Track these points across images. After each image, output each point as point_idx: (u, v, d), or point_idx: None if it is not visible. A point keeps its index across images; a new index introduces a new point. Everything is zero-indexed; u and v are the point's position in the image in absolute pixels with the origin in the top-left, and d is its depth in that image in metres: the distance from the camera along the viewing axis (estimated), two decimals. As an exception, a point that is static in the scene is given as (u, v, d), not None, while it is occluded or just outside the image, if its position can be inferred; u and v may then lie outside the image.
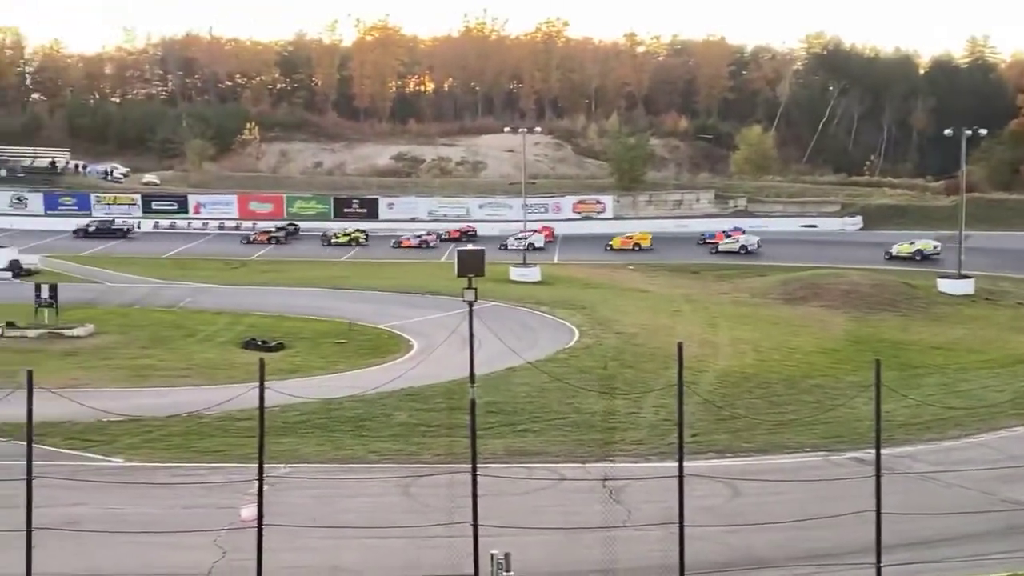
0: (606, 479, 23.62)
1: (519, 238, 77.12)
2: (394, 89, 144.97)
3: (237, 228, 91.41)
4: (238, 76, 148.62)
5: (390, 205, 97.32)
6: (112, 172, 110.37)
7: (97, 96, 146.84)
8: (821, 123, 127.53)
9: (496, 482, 19.25)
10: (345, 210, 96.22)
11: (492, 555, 15.29)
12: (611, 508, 21.15)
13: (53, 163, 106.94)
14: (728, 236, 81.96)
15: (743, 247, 79.83)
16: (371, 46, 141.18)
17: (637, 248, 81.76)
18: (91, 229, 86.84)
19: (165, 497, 22.42)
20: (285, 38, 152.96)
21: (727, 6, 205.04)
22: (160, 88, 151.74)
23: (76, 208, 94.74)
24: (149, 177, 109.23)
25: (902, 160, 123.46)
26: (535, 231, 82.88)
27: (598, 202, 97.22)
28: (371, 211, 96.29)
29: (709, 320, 51.72)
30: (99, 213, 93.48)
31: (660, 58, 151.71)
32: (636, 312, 53.12)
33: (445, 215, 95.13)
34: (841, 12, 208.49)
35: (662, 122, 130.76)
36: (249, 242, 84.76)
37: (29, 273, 63.75)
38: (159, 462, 25.86)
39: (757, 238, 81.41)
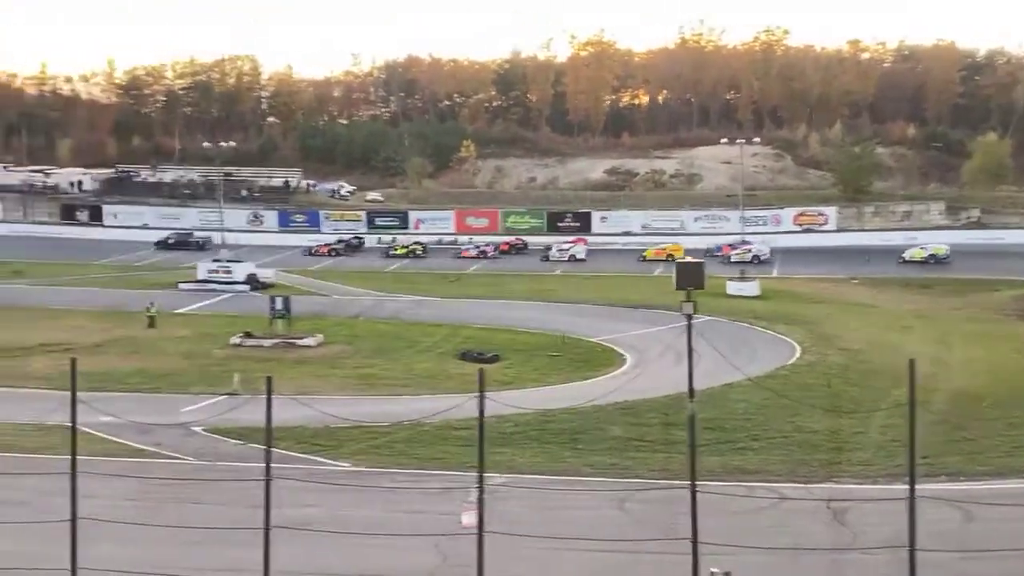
0: (830, 500, 22.75)
1: (561, 249, 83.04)
2: (608, 103, 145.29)
3: (454, 243, 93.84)
4: (456, 95, 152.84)
5: (603, 219, 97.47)
6: (339, 190, 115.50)
7: (326, 118, 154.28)
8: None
9: (714, 500, 18.89)
10: (559, 224, 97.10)
11: (712, 573, 14.99)
12: (835, 530, 20.37)
13: (286, 183, 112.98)
14: (735, 248, 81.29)
15: (755, 257, 79.96)
16: (585, 61, 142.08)
17: (671, 258, 78.91)
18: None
19: (388, 501, 23.14)
20: (501, 56, 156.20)
21: (957, 10, 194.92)
22: (383, 109, 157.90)
23: (307, 225, 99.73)
24: (373, 195, 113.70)
25: None
26: (574, 242, 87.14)
27: (820, 214, 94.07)
28: (584, 225, 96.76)
29: (940, 337, 49.08)
30: (327, 230, 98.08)
31: (886, 64, 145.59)
32: (861, 328, 51.11)
33: (658, 228, 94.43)
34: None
35: (888, 130, 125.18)
36: (311, 254, 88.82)
37: (265, 286, 67.38)
38: (383, 467, 26.73)
39: (768, 248, 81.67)
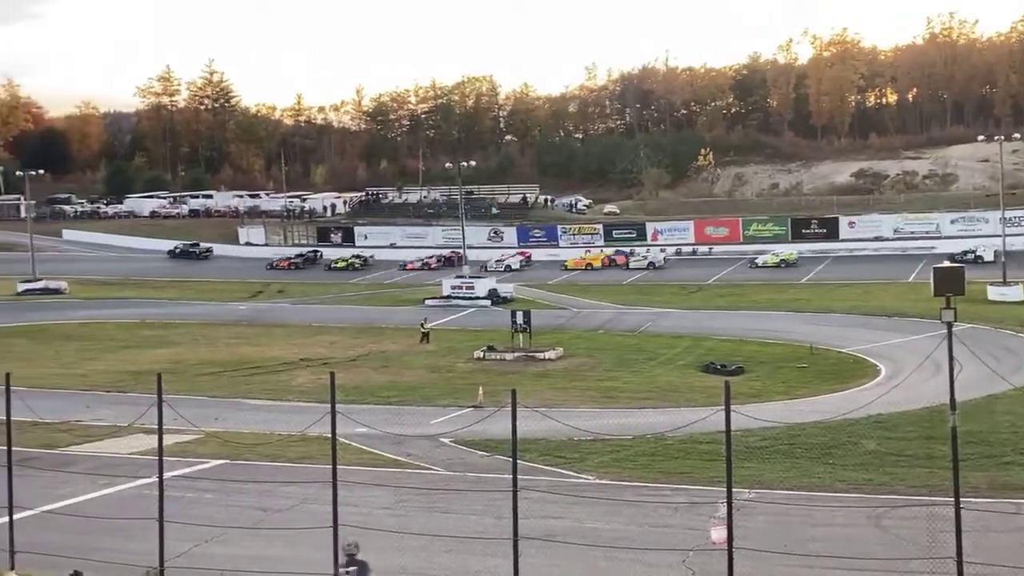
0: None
1: (499, 260, 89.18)
2: (853, 104, 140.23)
3: (693, 253, 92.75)
4: (692, 103, 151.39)
5: (851, 224, 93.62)
6: (576, 204, 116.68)
7: (562, 133, 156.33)
8: None
9: (980, 518, 17.71)
10: (803, 231, 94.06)
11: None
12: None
13: (524, 198, 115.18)
14: (633, 255, 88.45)
15: (651, 263, 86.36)
16: (828, 61, 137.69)
17: (589, 268, 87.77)
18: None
19: (633, 515, 22.98)
20: (739, 62, 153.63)
21: None
22: (619, 121, 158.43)
23: (545, 239, 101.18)
24: (610, 207, 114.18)
25: None
26: (514, 254, 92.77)
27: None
28: (831, 231, 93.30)
29: None
30: (565, 244, 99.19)
31: None
32: None
33: (912, 232, 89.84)
34: None
35: None
36: (272, 267, 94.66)
37: (505, 300, 68.90)
38: (627, 481, 26.58)
39: (664, 254, 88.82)
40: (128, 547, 17.92)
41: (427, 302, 70.13)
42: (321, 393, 33.76)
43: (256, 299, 76.99)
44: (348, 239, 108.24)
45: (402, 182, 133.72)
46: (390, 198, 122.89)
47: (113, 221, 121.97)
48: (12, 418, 17.96)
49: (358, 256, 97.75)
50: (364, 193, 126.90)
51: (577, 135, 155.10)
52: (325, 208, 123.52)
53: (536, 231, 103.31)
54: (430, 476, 26.71)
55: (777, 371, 43.67)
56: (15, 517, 17.32)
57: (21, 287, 79.64)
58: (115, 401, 38.55)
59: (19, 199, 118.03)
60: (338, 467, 16.19)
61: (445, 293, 71.83)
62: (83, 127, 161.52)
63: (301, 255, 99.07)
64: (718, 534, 15.70)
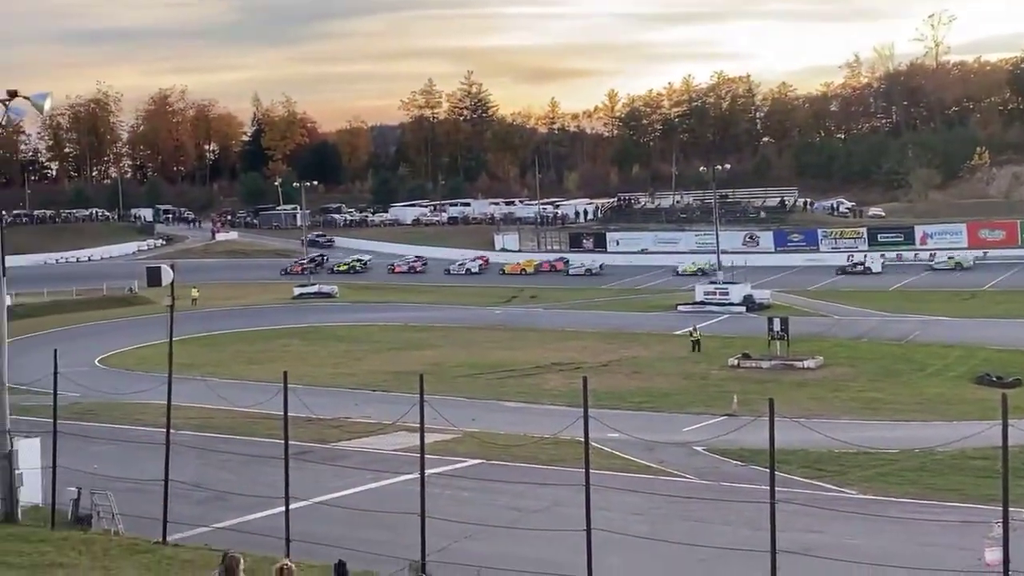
0: None
1: (460, 264, 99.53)
2: None
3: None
4: (965, 100, 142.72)
5: None
6: (838, 207, 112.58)
7: (822, 134, 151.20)
8: None
9: None
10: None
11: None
12: None
13: (782, 201, 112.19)
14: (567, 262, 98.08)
15: (588, 270, 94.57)
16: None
17: (523, 272, 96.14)
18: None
19: (898, 532, 21.84)
20: (1016, 55, 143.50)
21: None
22: (884, 120, 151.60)
23: (803, 244, 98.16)
24: (875, 210, 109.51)
25: None
26: (474, 258, 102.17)
27: None
28: None
29: None
30: (825, 248, 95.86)
31: None
32: None
33: None
34: None
35: None
36: (286, 272, 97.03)
37: (761, 307, 67.30)
38: (891, 496, 25.32)
39: (600, 263, 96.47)
40: (391, 540, 18.65)
41: (679, 308, 69.56)
42: (573, 397, 34.07)
43: (510, 304, 78.83)
44: (600, 245, 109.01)
45: (654, 187, 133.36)
46: (642, 203, 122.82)
47: (379, 229, 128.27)
48: (288, 414, 19.08)
49: (359, 259, 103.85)
50: (616, 199, 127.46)
51: (839, 135, 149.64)
52: (577, 214, 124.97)
53: (794, 235, 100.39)
54: (682, 484, 26.37)
55: (1061, 384, 40.41)
56: (290, 507, 18.37)
57: (297, 291, 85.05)
58: (380, 400, 40.38)
59: (295, 209, 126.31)
60: (590, 471, 16.23)
61: (698, 299, 70.95)
62: (352, 140, 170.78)
63: (312, 259, 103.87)
64: (992, 556, 14.68)
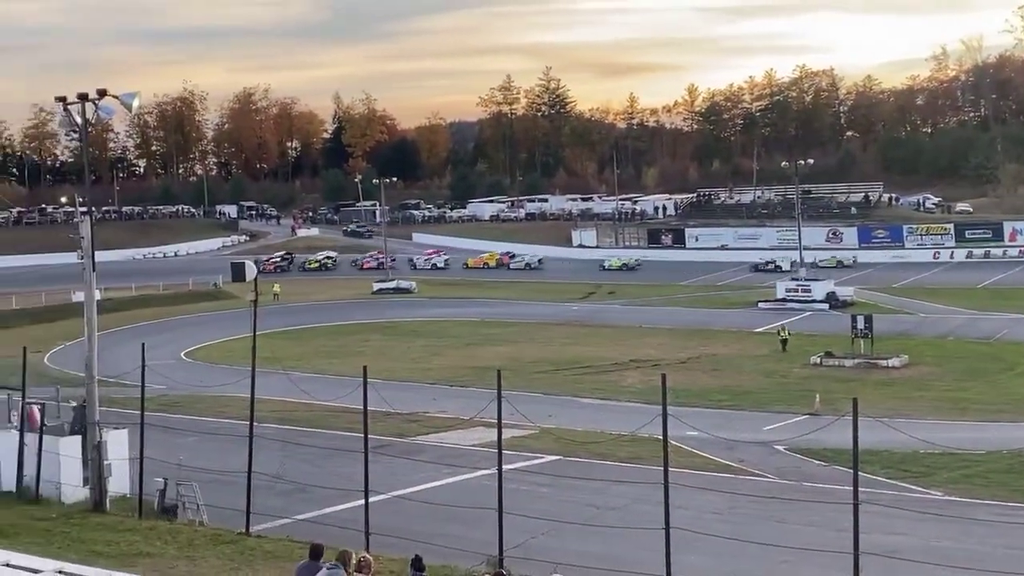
0: None
1: (425, 258, 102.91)
2: None
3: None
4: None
5: None
6: (924, 202, 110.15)
7: (908, 128, 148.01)
8: None
9: None
10: None
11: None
12: None
13: (866, 197, 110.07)
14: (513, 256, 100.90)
15: (527, 265, 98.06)
16: None
17: (486, 267, 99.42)
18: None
19: (987, 535, 21.31)
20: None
21: None
22: (972, 114, 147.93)
23: (888, 240, 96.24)
24: (962, 205, 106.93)
25: None
26: (432, 253, 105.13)
27: None
28: None
29: None
30: (911, 245, 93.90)
31: None
32: None
33: None
34: None
35: None
36: (262, 270, 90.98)
37: (844, 304, 66.08)
38: (979, 498, 24.73)
39: (539, 258, 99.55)
40: (468, 535, 18.73)
41: (760, 305, 68.67)
42: (651, 394, 33.80)
43: (588, 300, 78.58)
44: (679, 241, 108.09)
45: (734, 182, 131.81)
46: (722, 199, 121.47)
47: (457, 224, 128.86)
48: (368, 408, 19.26)
49: (329, 256, 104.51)
50: (695, 194, 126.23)
51: (925, 129, 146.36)
52: (656, 210, 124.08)
53: (879, 231, 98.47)
54: (763, 483, 26.04)
55: None
56: (369, 500, 18.54)
57: (376, 286, 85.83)
58: (458, 395, 40.58)
59: (375, 205, 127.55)
60: (669, 469, 16.09)
61: (779, 296, 69.93)
62: (431, 136, 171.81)
63: (283, 256, 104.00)
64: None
